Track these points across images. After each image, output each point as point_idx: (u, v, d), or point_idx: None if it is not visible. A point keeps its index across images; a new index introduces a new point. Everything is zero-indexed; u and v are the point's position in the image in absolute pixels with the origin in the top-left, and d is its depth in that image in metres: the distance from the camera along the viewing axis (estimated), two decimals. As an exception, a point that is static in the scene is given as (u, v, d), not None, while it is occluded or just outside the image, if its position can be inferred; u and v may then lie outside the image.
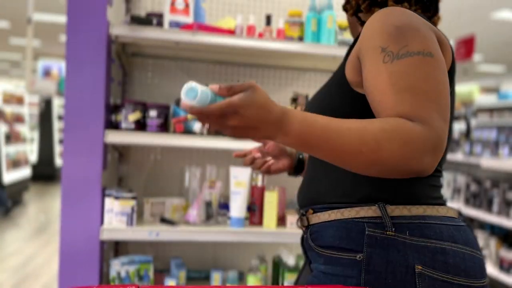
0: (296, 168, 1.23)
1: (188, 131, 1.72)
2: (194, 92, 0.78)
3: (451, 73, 0.88)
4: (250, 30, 1.80)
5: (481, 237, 3.61)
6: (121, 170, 2.03)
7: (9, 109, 6.18)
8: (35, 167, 7.58)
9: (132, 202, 1.65)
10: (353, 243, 0.83)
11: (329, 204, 0.89)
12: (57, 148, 8.00)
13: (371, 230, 0.82)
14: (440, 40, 0.84)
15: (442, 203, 0.89)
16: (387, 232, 0.81)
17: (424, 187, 0.87)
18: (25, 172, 6.36)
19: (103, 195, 1.67)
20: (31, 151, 7.62)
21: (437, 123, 0.72)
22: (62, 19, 9.30)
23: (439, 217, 0.84)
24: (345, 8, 1.04)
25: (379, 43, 0.79)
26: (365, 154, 0.71)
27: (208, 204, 1.74)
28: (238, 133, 0.74)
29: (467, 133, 4.87)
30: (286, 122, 0.73)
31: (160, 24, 1.73)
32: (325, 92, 0.96)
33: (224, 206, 1.81)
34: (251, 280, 1.84)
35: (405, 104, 0.73)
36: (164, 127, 1.73)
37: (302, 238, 1.00)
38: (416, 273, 0.78)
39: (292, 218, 1.78)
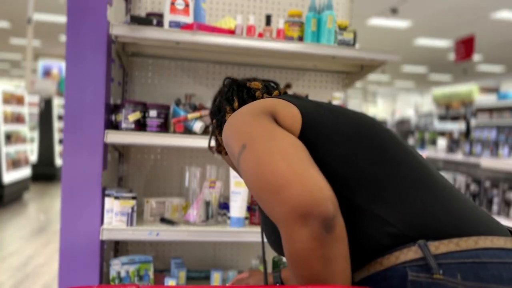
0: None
1: (188, 131, 1.72)
2: None
3: (310, 127, 0.84)
4: (250, 30, 1.80)
5: (481, 237, 3.62)
6: (121, 170, 2.03)
7: (9, 109, 6.18)
8: (35, 167, 7.59)
9: (132, 202, 1.65)
10: None
11: (363, 260, 0.77)
12: (57, 148, 8.00)
13: (414, 275, 0.70)
14: (275, 111, 0.86)
15: (496, 229, 0.76)
16: (434, 276, 0.69)
17: (454, 211, 0.75)
18: (25, 172, 6.36)
19: (103, 195, 1.67)
20: (31, 151, 7.62)
21: (279, 204, 0.67)
22: (62, 19, 9.30)
23: (496, 252, 0.71)
24: (219, 150, 1.11)
25: (232, 151, 0.83)
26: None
27: (208, 204, 1.74)
28: None
29: (467, 133, 4.87)
30: None
31: (160, 24, 1.73)
32: None
33: (224, 206, 1.81)
34: (251, 280, 1.84)
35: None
36: (164, 127, 1.73)
37: None
38: None
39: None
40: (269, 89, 1.08)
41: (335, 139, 0.83)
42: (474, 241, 0.71)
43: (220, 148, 1.11)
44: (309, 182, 0.67)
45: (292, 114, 0.86)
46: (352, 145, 0.83)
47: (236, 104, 1.02)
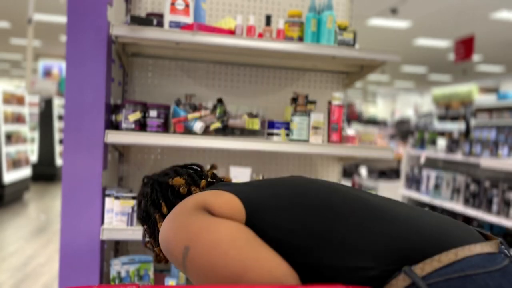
0: None
1: (188, 131, 1.73)
2: None
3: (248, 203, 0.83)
4: (250, 31, 1.80)
5: (480, 237, 3.62)
6: (122, 170, 2.03)
7: (9, 109, 6.19)
8: (35, 167, 7.59)
9: (132, 202, 1.65)
10: None
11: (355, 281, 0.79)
12: (58, 148, 8.01)
13: None
14: (208, 205, 0.83)
15: (464, 239, 0.77)
16: None
17: (421, 230, 0.77)
18: (25, 172, 6.36)
19: (104, 195, 1.67)
20: (32, 151, 7.62)
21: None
22: (62, 19, 9.31)
23: (477, 260, 0.73)
24: (159, 260, 1.05)
25: (176, 259, 0.81)
26: None
27: (208, 204, 1.74)
28: None
29: (467, 133, 4.88)
30: None
31: (160, 24, 1.74)
32: None
33: (224, 206, 1.81)
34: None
35: None
36: (164, 127, 1.74)
37: None
38: None
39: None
40: (195, 179, 1.04)
41: (282, 216, 0.82)
42: (454, 254, 0.73)
43: (160, 258, 1.04)
44: (265, 264, 0.69)
45: (229, 202, 0.83)
46: (299, 214, 0.82)
47: (164, 209, 0.99)
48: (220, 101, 1.81)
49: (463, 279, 0.71)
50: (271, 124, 1.83)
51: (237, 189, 0.87)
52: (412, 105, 18.33)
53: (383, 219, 0.81)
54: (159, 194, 1.02)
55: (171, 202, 1.01)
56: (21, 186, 6.24)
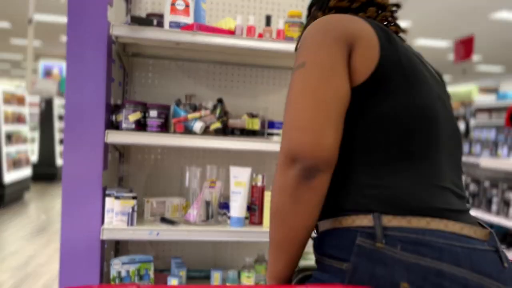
0: None
1: (188, 131, 1.73)
2: None
3: (383, 66, 0.82)
4: (250, 31, 1.81)
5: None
6: (122, 170, 2.04)
7: (10, 109, 6.19)
8: (35, 167, 7.59)
9: (133, 202, 1.65)
10: (343, 251, 0.79)
11: (332, 213, 0.85)
12: (58, 148, 8.01)
13: (361, 240, 0.78)
14: (353, 36, 0.82)
15: (455, 216, 0.79)
16: (377, 244, 0.76)
17: (425, 193, 0.79)
18: (25, 172, 6.37)
19: (104, 195, 1.68)
20: (32, 151, 7.62)
21: (286, 139, 0.78)
22: (62, 19, 9.31)
23: (446, 234, 0.76)
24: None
25: (296, 58, 0.87)
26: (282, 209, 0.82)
27: (208, 204, 1.75)
28: None
29: (466, 133, 4.87)
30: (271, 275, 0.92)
31: (160, 24, 1.74)
32: None
33: (224, 206, 1.82)
34: (243, 277, 1.85)
35: (282, 132, 0.82)
36: (164, 127, 1.74)
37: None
38: None
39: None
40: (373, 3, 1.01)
41: (391, 104, 0.82)
42: (426, 222, 0.76)
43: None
44: (320, 140, 0.76)
45: (369, 58, 0.82)
46: (400, 119, 0.83)
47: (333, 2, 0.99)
48: (220, 101, 1.81)
49: (419, 241, 0.74)
50: (271, 124, 1.84)
51: (387, 51, 0.84)
52: (412, 105, 18.31)
53: (426, 164, 0.83)
54: None
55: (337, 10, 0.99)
56: (21, 186, 6.25)
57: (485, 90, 13.39)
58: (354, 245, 0.78)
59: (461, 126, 4.92)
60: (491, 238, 0.79)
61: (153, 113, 1.72)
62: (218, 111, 1.76)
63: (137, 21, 1.67)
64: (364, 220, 0.79)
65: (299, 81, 0.80)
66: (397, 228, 0.76)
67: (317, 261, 0.89)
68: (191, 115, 1.71)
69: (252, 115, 1.85)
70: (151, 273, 1.77)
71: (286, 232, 0.82)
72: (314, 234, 0.92)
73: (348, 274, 0.77)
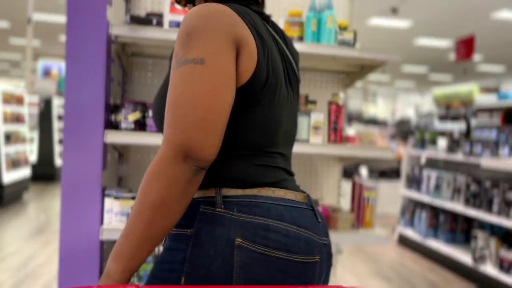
0: None
1: (188, 131, 1.72)
2: None
3: (257, 75, 0.89)
4: (250, 30, 1.80)
5: (481, 237, 3.61)
6: (121, 170, 2.03)
7: (9, 109, 6.18)
8: (35, 167, 7.58)
9: (132, 202, 1.65)
10: (188, 219, 0.89)
11: None
12: (57, 148, 8.00)
13: (204, 207, 0.89)
14: (240, 42, 0.86)
15: (283, 185, 0.95)
16: (217, 209, 0.88)
17: (257, 172, 0.93)
18: (25, 172, 6.36)
19: (103, 195, 1.67)
20: (31, 151, 7.62)
21: (183, 135, 0.81)
22: (62, 19, 9.31)
23: (273, 198, 0.91)
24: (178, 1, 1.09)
25: (176, 47, 0.87)
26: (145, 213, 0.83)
27: (208, 204, 1.74)
28: None
29: (467, 133, 4.87)
30: (111, 266, 0.87)
31: (160, 24, 1.73)
32: (164, 90, 0.96)
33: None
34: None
35: (165, 124, 0.84)
36: (164, 127, 1.73)
37: None
38: (235, 245, 0.85)
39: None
40: None
41: (252, 113, 0.92)
42: (258, 190, 0.91)
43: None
44: (217, 144, 0.83)
45: (247, 68, 0.88)
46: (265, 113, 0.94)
47: None
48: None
49: (253, 203, 0.89)
50: (271, 124, 1.83)
51: (262, 56, 0.90)
52: (412, 105, 18.34)
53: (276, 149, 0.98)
54: None
55: None
56: (20, 186, 6.24)
57: (486, 90, 13.38)
58: (198, 212, 0.89)
59: (462, 126, 4.91)
60: (308, 200, 0.99)
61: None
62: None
63: (136, 20, 1.66)
64: (207, 192, 0.91)
65: (201, 78, 0.82)
66: (234, 196, 0.90)
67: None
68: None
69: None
70: (151, 274, 1.75)
71: (166, 225, 0.83)
72: None
73: (192, 238, 0.87)
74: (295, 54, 1.12)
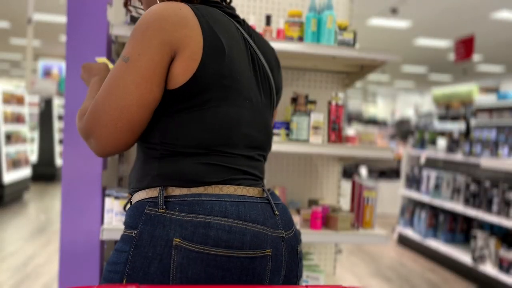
0: None
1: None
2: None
3: (200, 76, 0.90)
4: (250, 30, 1.80)
5: (480, 237, 3.62)
6: (121, 170, 2.03)
7: (9, 109, 6.19)
8: (35, 167, 7.59)
9: (132, 202, 1.65)
10: (135, 221, 0.91)
11: (136, 188, 0.97)
12: (57, 148, 8.01)
13: (149, 208, 0.90)
14: (179, 45, 0.89)
15: (235, 183, 0.94)
16: (159, 210, 0.89)
17: (203, 170, 0.92)
18: (25, 172, 6.36)
19: (103, 195, 1.67)
20: (31, 151, 7.62)
21: (90, 117, 0.90)
22: (62, 19, 9.31)
23: (219, 195, 0.91)
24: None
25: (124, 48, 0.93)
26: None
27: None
28: (84, 82, 1.16)
29: (467, 133, 4.87)
30: (89, 83, 1.11)
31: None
32: None
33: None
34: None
35: (92, 101, 0.93)
36: (164, 127, 1.73)
37: None
38: (173, 245, 0.85)
39: (293, 218, 1.78)
40: None
41: (203, 111, 0.93)
42: (204, 188, 0.91)
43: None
44: (108, 135, 0.89)
45: (188, 68, 0.90)
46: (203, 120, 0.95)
47: None
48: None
49: (195, 202, 0.88)
50: (271, 124, 1.83)
51: (207, 59, 0.91)
52: (412, 105, 18.33)
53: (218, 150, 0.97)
54: None
55: None
56: (21, 186, 6.24)
57: (485, 90, 13.39)
58: (143, 214, 0.90)
59: (462, 126, 4.91)
60: (265, 194, 0.98)
61: (153, 113, 1.71)
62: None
63: (136, 20, 1.66)
64: (154, 192, 0.91)
65: (118, 74, 0.89)
66: (178, 196, 0.90)
67: None
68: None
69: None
70: (151, 274, 1.76)
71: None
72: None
73: (135, 239, 0.88)
74: (271, 60, 1.13)
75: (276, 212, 0.96)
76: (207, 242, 0.85)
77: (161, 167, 0.93)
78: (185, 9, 0.91)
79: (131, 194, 1.00)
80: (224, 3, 1.06)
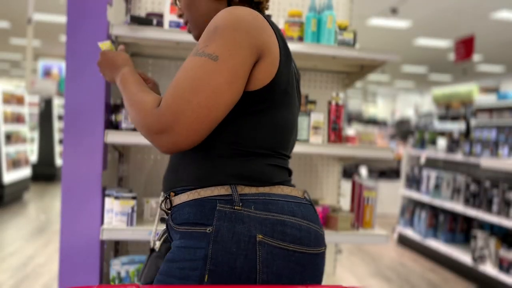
0: None
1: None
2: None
3: (276, 81, 0.94)
4: (250, 30, 1.80)
5: (480, 237, 3.62)
6: (121, 170, 2.03)
7: (9, 109, 6.19)
8: (35, 167, 7.58)
9: (132, 202, 1.65)
10: (205, 218, 0.92)
11: (189, 187, 0.97)
12: (57, 148, 8.00)
13: (221, 205, 0.92)
14: (264, 49, 0.92)
15: (288, 184, 1.01)
16: (235, 207, 0.91)
17: (270, 171, 0.97)
18: (25, 172, 6.36)
19: (103, 195, 1.67)
20: (31, 151, 7.62)
21: (169, 112, 0.86)
22: (62, 19, 9.31)
23: (283, 195, 0.97)
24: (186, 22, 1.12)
25: (201, 39, 0.93)
26: (129, 109, 0.96)
27: (208, 204, 1.74)
28: (100, 70, 1.15)
29: (467, 133, 4.87)
30: (117, 73, 1.07)
31: (160, 24, 1.73)
32: None
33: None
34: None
35: (167, 93, 0.89)
36: (164, 127, 1.73)
37: (167, 221, 1.05)
38: (257, 241, 0.88)
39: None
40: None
41: (270, 115, 0.97)
42: (269, 188, 0.96)
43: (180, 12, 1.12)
44: (194, 139, 0.88)
45: (269, 73, 0.93)
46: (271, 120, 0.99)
47: None
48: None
49: (267, 201, 0.93)
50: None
51: (283, 70, 0.96)
52: (412, 105, 18.33)
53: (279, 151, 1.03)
54: None
55: None
56: (21, 186, 6.24)
57: (485, 90, 13.39)
58: (215, 210, 0.91)
59: (462, 126, 4.91)
60: (307, 196, 1.04)
61: (153, 113, 1.71)
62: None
63: (136, 20, 1.66)
64: (222, 190, 0.93)
65: (208, 73, 0.87)
66: (249, 194, 0.93)
67: (174, 231, 0.98)
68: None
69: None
70: (151, 274, 1.76)
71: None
72: (164, 208, 1.04)
73: (212, 235, 0.89)
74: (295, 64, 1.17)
75: (316, 213, 1.04)
76: (285, 239, 0.90)
77: (231, 166, 0.95)
78: (259, 15, 0.95)
79: (177, 192, 0.99)
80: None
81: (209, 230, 0.90)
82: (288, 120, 1.01)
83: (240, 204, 0.91)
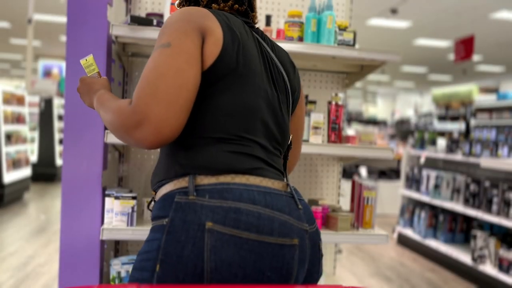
0: None
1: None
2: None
3: (221, 60, 0.96)
4: (250, 31, 1.80)
5: (480, 237, 3.62)
6: (121, 170, 2.03)
7: (9, 109, 6.19)
8: (35, 167, 7.59)
9: (133, 202, 1.65)
10: (165, 211, 0.93)
11: (161, 182, 1.00)
12: (58, 148, 8.01)
13: (179, 197, 0.93)
14: (206, 31, 0.96)
15: (260, 174, 0.98)
16: (190, 197, 0.92)
17: (229, 159, 0.96)
18: (25, 172, 6.36)
19: (104, 195, 1.67)
20: (32, 151, 7.62)
21: (141, 102, 0.86)
22: (62, 19, 9.31)
23: (246, 184, 0.94)
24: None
25: (157, 40, 0.97)
26: (106, 118, 0.97)
27: (208, 204, 1.74)
28: (80, 96, 1.17)
29: (467, 133, 4.88)
30: (94, 97, 1.08)
31: (160, 24, 1.73)
32: None
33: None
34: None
35: (136, 88, 0.90)
36: (164, 127, 1.73)
37: None
38: (206, 229, 0.88)
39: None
40: None
41: (222, 98, 0.98)
42: (231, 177, 0.94)
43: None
44: (169, 112, 0.86)
45: (212, 53, 0.96)
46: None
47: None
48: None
49: (224, 189, 0.92)
50: (271, 124, 1.83)
51: (227, 47, 0.98)
52: (412, 105, 18.33)
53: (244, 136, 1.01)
54: None
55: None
56: (21, 186, 6.24)
57: (485, 90, 13.40)
58: (173, 202, 0.93)
59: (462, 126, 4.91)
60: (289, 189, 1.00)
61: (153, 113, 1.71)
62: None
63: (137, 21, 1.66)
64: (183, 182, 0.94)
65: (165, 57, 0.90)
66: (207, 184, 0.93)
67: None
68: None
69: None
70: (151, 274, 1.76)
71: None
72: (150, 209, 1.07)
73: (167, 226, 0.90)
74: (286, 62, 1.18)
75: (300, 206, 1.00)
76: (238, 226, 0.88)
77: (188, 156, 0.96)
78: (202, 8, 1.02)
79: (155, 190, 1.03)
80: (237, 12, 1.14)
81: (165, 222, 0.91)
82: (249, 103, 0.99)
83: (195, 193, 0.92)
